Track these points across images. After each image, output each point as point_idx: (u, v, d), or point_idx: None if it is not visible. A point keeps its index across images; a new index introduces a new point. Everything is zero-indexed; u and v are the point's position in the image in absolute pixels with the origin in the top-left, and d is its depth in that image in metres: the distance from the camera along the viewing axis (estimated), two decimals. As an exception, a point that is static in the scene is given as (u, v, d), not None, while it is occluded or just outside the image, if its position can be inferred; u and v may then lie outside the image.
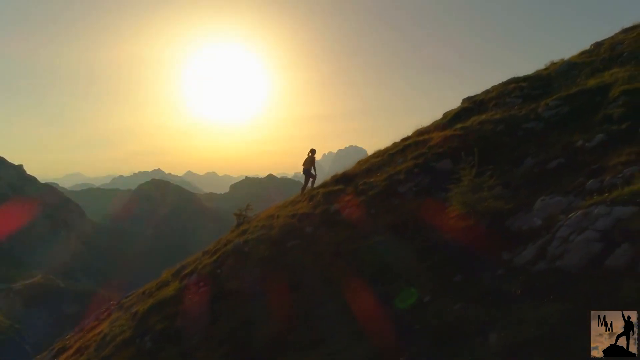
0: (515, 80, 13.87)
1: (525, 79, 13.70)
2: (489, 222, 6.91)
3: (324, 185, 12.48)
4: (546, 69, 14.52)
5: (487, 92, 14.33)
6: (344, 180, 12.12)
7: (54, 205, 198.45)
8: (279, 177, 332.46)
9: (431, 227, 7.41)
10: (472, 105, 13.70)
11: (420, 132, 14.16)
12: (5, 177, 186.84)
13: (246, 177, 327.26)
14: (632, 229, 5.27)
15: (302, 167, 15.76)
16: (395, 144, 13.18)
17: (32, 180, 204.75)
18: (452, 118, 13.67)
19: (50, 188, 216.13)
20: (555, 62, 15.43)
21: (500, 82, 14.70)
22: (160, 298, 9.62)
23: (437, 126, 13.68)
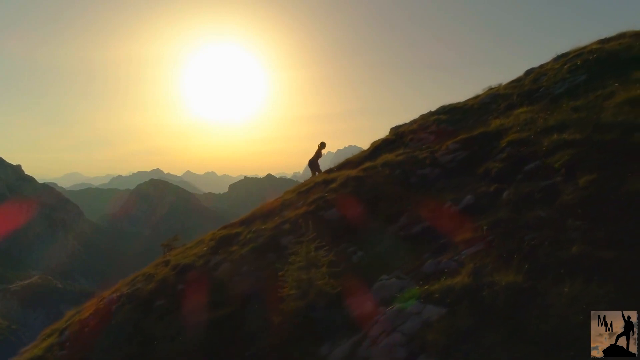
0: (439, 112, 13.24)
1: (450, 110, 13.06)
2: (325, 303, 6.29)
3: (226, 227, 11.87)
4: (477, 97, 13.87)
5: (412, 122, 13.71)
6: (248, 220, 11.52)
7: (51, 206, 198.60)
8: (277, 177, 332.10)
9: (275, 301, 6.78)
10: (395, 137, 13.07)
11: (346, 163, 13.60)
12: (3, 177, 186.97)
13: (245, 177, 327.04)
14: (429, 340, 4.65)
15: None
16: (307, 181, 12.59)
17: (30, 180, 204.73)
18: (372, 151, 13.08)
19: (48, 188, 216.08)
20: (493, 87, 14.79)
21: (428, 111, 14.08)
22: (28, 357, 9.07)
23: (358, 159, 13.09)
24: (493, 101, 12.22)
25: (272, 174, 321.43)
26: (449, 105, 13.80)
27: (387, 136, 13.85)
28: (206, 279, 8.77)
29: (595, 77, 10.08)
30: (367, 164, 11.14)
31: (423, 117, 13.57)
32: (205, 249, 10.48)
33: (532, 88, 11.55)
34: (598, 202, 5.61)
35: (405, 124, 13.96)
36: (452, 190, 8.05)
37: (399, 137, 12.92)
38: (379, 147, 13.00)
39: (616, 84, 9.02)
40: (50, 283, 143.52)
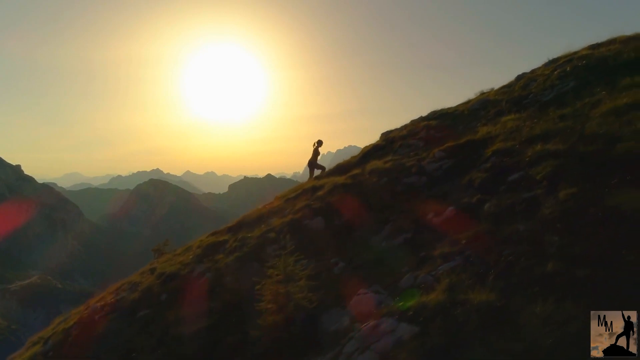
0: (429, 117, 13.18)
1: (440, 115, 12.99)
2: (304, 317, 6.23)
3: (214, 233, 11.80)
4: (468, 102, 13.80)
5: (403, 127, 13.64)
6: (236, 227, 11.46)
7: (51, 206, 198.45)
8: (277, 177, 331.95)
9: (255, 314, 6.71)
10: (385, 143, 13.01)
11: (336, 169, 13.53)
12: (2, 177, 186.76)
13: (245, 177, 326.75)
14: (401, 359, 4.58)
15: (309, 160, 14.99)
16: (296, 187, 12.52)
17: (29, 180, 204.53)
18: (362, 156, 13.01)
19: (47, 188, 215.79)
20: (485, 91, 14.72)
21: (419, 116, 14.01)
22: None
23: (347, 165, 13.03)
24: (483, 107, 12.15)
25: (272, 174, 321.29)
26: (440, 110, 13.74)
27: (377, 142, 13.79)
28: (190, 288, 8.71)
29: (583, 84, 10.00)
30: (355, 171, 11.08)
31: (413, 123, 13.51)
32: (191, 256, 10.41)
33: (521, 94, 11.48)
34: (577, 216, 5.54)
35: (395, 129, 13.90)
36: (437, 200, 7.98)
37: (389, 142, 12.85)
38: (368, 153, 12.93)
39: (603, 92, 8.95)
40: (49, 283, 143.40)
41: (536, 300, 4.46)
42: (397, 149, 11.83)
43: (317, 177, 13.43)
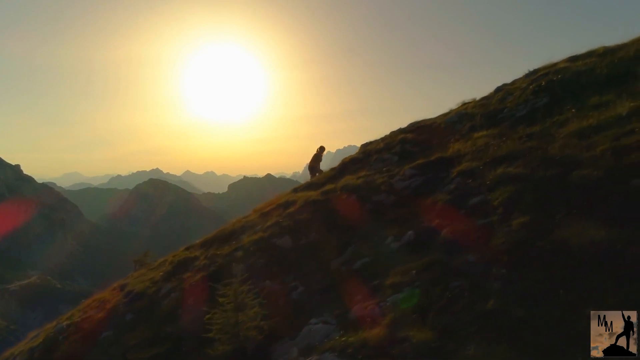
0: (407, 130, 13.10)
1: (417, 128, 12.89)
2: (255, 347, 6.15)
3: (188, 247, 11.73)
4: (448, 113, 13.72)
5: (381, 140, 13.55)
6: (209, 242, 11.39)
7: (51, 205, 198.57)
8: (277, 176, 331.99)
9: (208, 343, 6.64)
10: (362, 156, 12.94)
11: (311, 184, 13.44)
12: (2, 177, 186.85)
13: (244, 176, 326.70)
14: (336, 400, 4.52)
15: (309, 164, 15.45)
16: (272, 201, 12.44)
17: (29, 180, 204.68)
18: (340, 169, 12.95)
19: (47, 188, 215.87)
20: (466, 102, 14.63)
21: (399, 127, 13.93)
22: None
23: (324, 178, 12.95)
24: (459, 120, 12.06)
25: (272, 173, 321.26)
26: (418, 122, 13.67)
27: (356, 154, 13.73)
28: (154, 309, 8.64)
29: (556, 101, 9.91)
30: (329, 186, 11.00)
31: (392, 135, 13.42)
32: (161, 274, 10.34)
33: (497, 108, 11.39)
34: (526, 249, 5.45)
35: (375, 141, 13.83)
36: (400, 221, 7.90)
37: (366, 155, 12.79)
38: (346, 166, 12.88)
39: (573, 110, 8.87)
40: (49, 283, 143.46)
41: (471, 341, 4.39)
42: (373, 162, 11.76)
43: (295, 189, 13.38)
